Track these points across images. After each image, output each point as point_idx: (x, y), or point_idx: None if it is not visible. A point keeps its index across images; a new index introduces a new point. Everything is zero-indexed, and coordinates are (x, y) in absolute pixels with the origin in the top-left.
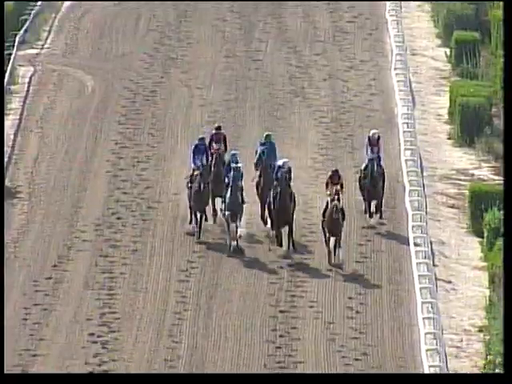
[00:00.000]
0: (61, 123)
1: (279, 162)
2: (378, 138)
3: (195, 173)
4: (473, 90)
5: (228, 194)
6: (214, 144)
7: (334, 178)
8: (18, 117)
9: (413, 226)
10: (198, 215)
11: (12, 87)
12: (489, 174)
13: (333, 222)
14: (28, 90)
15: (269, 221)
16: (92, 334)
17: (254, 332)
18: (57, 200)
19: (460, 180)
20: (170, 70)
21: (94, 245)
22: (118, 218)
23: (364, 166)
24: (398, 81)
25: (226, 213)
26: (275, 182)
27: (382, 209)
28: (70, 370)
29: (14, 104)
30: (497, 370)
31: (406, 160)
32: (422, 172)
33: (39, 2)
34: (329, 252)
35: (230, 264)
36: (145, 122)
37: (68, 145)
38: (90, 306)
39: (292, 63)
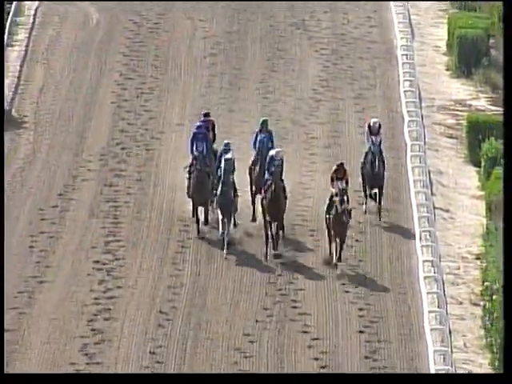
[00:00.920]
0: (66, 55)
1: (272, 152)
2: (379, 126)
3: (192, 166)
4: (471, 21)
5: (219, 190)
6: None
7: (339, 172)
8: (23, 48)
9: (411, 156)
10: (200, 209)
11: (18, 19)
12: (486, 105)
13: (342, 226)
14: (34, 22)
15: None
16: (97, 262)
17: (256, 260)
18: (62, 130)
19: (458, 110)
20: (173, 2)
21: (98, 174)
22: (123, 148)
23: (363, 156)
24: (397, 13)
25: (218, 211)
26: (267, 175)
27: (382, 197)
28: (75, 297)
29: (20, 35)
30: (494, 297)
31: (405, 91)
32: (420, 103)
33: None
34: (330, 253)
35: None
36: (148, 54)
37: (73, 76)
38: (95, 234)
39: None
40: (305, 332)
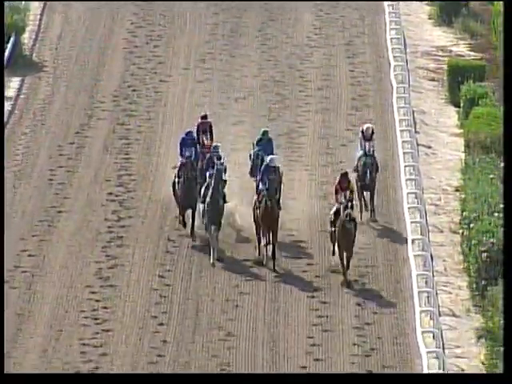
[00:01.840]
0: (83, 5)
1: (267, 159)
2: (372, 132)
3: (180, 170)
4: None
5: (208, 197)
6: (202, 135)
7: (343, 182)
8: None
9: (397, 98)
10: (188, 212)
11: None
12: (465, 51)
13: (346, 233)
14: None
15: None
16: (110, 193)
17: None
18: (78, 74)
19: (439, 56)
20: None
21: (111, 114)
22: (134, 90)
23: (356, 162)
24: None
25: (206, 219)
26: (261, 185)
27: (375, 205)
28: (91, 226)
29: None
30: (471, 225)
31: (391, 38)
32: (405, 49)
33: None
34: (343, 269)
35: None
36: (157, 4)
37: (88, 24)
38: (109, 169)
39: None
40: (299, 248)
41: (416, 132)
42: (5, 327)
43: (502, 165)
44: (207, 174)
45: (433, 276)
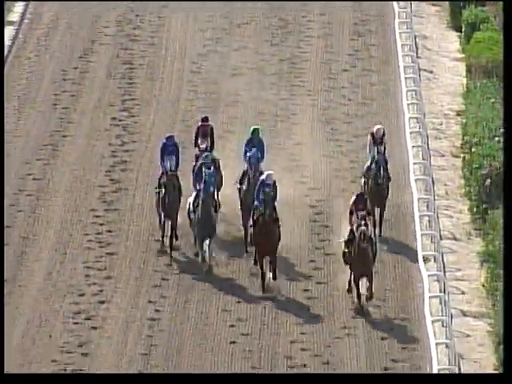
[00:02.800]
0: None
1: (262, 176)
2: (383, 134)
3: (162, 179)
4: None
5: (199, 207)
6: (201, 139)
7: (359, 203)
8: None
9: (399, 23)
10: (167, 225)
11: None
12: None
13: (361, 254)
14: None
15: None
16: (114, 118)
17: None
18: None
19: None
20: None
21: (115, 39)
22: (137, 16)
23: (366, 167)
24: None
25: (196, 229)
26: (256, 202)
27: (383, 220)
28: (95, 150)
29: None
30: (473, 149)
31: None
32: None
33: None
34: (357, 294)
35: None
36: None
37: None
38: (113, 94)
39: None
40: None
41: (418, 57)
42: (11, 251)
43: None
44: (197, 185)
45: (434, 200)
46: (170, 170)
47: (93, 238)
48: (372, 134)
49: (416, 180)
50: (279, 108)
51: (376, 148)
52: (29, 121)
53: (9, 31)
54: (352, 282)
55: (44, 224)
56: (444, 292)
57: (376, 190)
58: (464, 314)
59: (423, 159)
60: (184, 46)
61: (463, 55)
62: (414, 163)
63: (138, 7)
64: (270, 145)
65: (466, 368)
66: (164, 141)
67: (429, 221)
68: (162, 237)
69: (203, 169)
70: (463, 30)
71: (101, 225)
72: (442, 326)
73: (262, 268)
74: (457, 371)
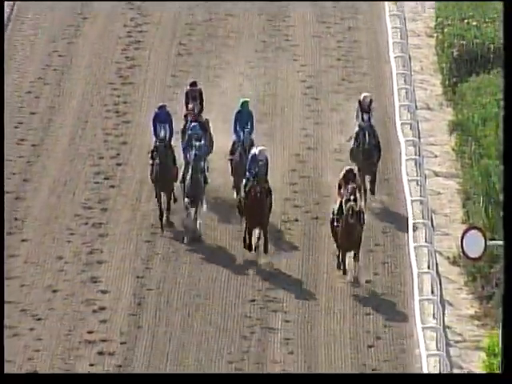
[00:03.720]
0: None
1: (254, 151)
2: (370, 101)
3: (155, 150)
4: None
5: (188, 176)
6: (191, 102)
7: (348, 177)
8: None
9: None
10: (163, 197)
11: None
12: None
13: (348, 230)
14: None
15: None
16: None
17: None
18: None
19: None
20: None
21: None
22: None
23: (354, 135)
24: None
25: (185, 199)
26: (248, 175)
27: (376, 184)
28: (112, 32)
29: None
30: (445, 30)
31: None
32: None
33: None
34: (344, 269)
35: None
36: None
37: None
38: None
39: None
40: (294, 61)
41: None
42: (38, 118)
43: None
44: (187, 155)
45: (411, 75)
46: (164, 139)
47: (111, 108)
48: (359, 102)
49: (395, 57)
50: None
51: (362, 116)
52: (55, 5)
53: None
54: (337, 256)
55: (68, 95)
56: (419, 155)
57: (364, 158)
58: (436, 174)
59: (401, 39)
60: None
61: None
62: (394, 42)
63: None
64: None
65: (438, 221)
66: (156, 110)
67: (406, 93)
68: (160, 210)
69: (193, 141)
70: None
71: (117, 97)
72: (417, 184)
73: (250, 240)
74: (430, 224)
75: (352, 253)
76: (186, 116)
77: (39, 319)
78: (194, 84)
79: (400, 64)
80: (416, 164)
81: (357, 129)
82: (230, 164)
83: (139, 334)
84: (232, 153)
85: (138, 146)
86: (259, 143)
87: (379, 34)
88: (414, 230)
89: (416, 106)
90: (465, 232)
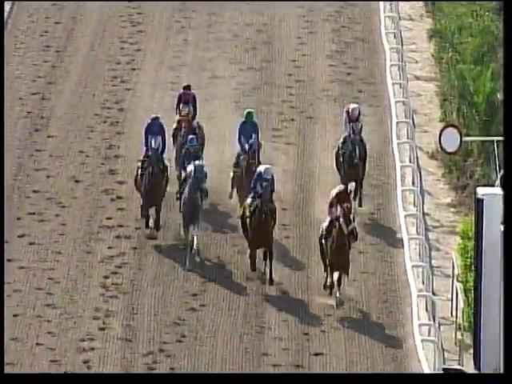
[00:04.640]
0: None
1: (260, 168)
2: (359, 113)
3: (145, 161)
4: None
5: (186, 192)
6: (181, 106)
7: (341, 196)
8: None
9: None
10: (152, 210)
11: None
12: None
13: (337, 249)
14: None
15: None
16: None
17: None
18: None
19: None
20: None
21: None
22: None
23: (341, 143)
24: None
25: (182, 218)
26: (252, 194)
27: (362, 193)
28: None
29: None
30: None
31: None
32: None
33: None
34: (330, 286)
35: None
36: None
37: None
38: None
39: None
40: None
41: None
42: (61, 28)
43: None
44: (184, 170)
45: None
46: (156, 151)
47: (126, 18)
48: (347, 112)
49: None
50: None
51: (352, 126)
52: None
53: None
54: (326, 275)
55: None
56: (402, 61)
57: (351, 171)
58: (417, 78)
59: None
60: None
61: None
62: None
63: None
64: None
65: (418, 120)
66: (149, 121)
67: (391, 5)
68: (147, 223)
69: (190, 156)
70: None
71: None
72: (400, 87)
73: (254, 260)
74: (411, 123)
75: (338, 274)
76: (179, 122)
77: (63, 206)
78: (187, 87)
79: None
80: (399, 69)
81: (344, 139)
82: (232, 178)
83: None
84: (236, 165)
85: (149, 52)
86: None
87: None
88: (397, 126)
89: (399, 17)
90: (442, 129)
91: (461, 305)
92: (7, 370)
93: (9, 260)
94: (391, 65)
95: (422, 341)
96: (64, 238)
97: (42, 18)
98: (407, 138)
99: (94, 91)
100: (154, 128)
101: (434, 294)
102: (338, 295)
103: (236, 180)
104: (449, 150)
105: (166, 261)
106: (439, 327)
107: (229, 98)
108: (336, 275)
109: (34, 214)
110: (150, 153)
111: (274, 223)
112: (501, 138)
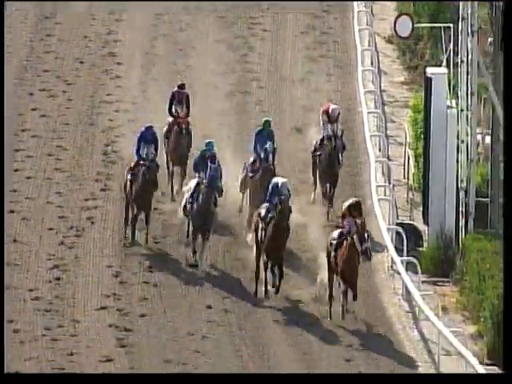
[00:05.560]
0: None
1: (276, 181)
2: (339, 113)
3: (141, 165)
4: None
5: (199, 199)
6: (174, 105)
7: (355, 210)
8: None
9: None
10: (141, 215)
11: None
12: None
13: (346, 264)
14: None
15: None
16: None
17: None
18: None
19: None
20: None
21: None
22: None
23: (318, 145)
24: None
25: (193, 224)
26: (268, 205)
27: (335, 195)
28: None
29: None
30: None
31: None
32: None
33: None
34: (341, 305)
35: None
36: None
37: None
38: None
39: None
40: None
41: None
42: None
43: None
44: (197, 177)
45: None
46: (147, 160)
47: None
48: (326, 112)
49: None
50: None
51: (333, 127)
52: None
53: None
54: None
55: None
56: None
57: (328, 174)
58: None
59: None
60: None
61: None
62: None
63: None
64: None
65: (376, 9)
66: (143, 129)
67: None
68: (133, 230)
69: (207, 161)
70: None
71: None
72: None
73: (262, 271)
74: (370, 11)
75: (345, 287)
76: (179, 124)
77: (69, 84)
78: (181, 86)
79: None
80: None
81: (321, 140)
82: (243, 182)
83: None
84: (253, 171)
85: None
86: None
87: None
88: (357, 16)
89: None
90: (397, 17)
91: (412, 169)
92: (20, 226)
93: (22, 130)
94: None
95: (379, 200)
96: (70, 111)
97: None
98: (366, 25)
99: None
100: (148, 137)
101: (389, 159)
102: (344, 309)
103: (248, 184)
104: (402, 35)
105: (160, 133)
106: (393, 188)
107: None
108: (343, 287)
109: (44, 90)
110: (141, 162)
111: (287, 238)
112: (448, 25)
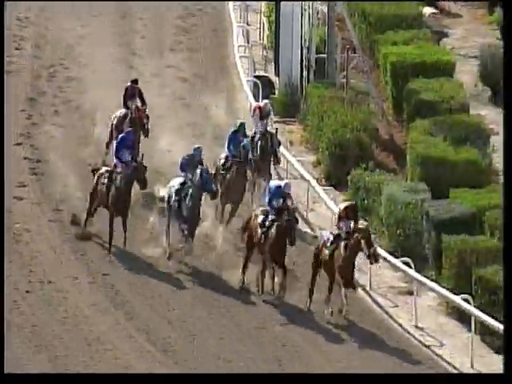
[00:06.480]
0: None
1: (278, 183)
2: (269, 109)
3: (115, 172)
4: None
5: (188, 201)
6: (129, 100)
7: (350, 213)
8: None
9: None
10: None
11: None
12: None
13: (344, 265)
14: None
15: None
16: None
17: None
18: None
19: None
20: None
21: None
22: None
23: (250, 139)
24: None
25: (183, 225)
26: (269, 209)
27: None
28: None
29: None
30: None
31: None
32: None
33: None
34: (328, 299)
35: None
36: None
37: None
38: None
39: None
40: None
41: None
42: None
43: None
44: (184, 177)
45: None
46: (125, 162)
47: None
48: (259, 108)
49: None
50: None
51: (265, 123)
52: None
53: None
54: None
55: None
56: None
57: (261, 166)
58: None
59: None
60: None
61: None
62: None
63: None
64: None
65: None
66: (123, 134)
67: None
68: (110, 237)
69: (198, 165)
70: None
71: None
72: None
73: (263, 280)
74: None
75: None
76: (140, 118)
77: None
78: (135, 82)
79: None
80: None
81: (253, 135)
82: (221, 178)
83: None
84: (224, 168)
85: None
86: None
87: None
88: None
89: None
90: None
91: (266, 32)
92: None
93: None
94: None
95: (240, 57)
96: None
97: None
98: None
99: None
100: (128, 142)
101: (248, 24)
102: (343, 312)
103: (219, 181)
104: None
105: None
106: (251, 47)
107: None
108: (343, 291)
109: None
110: (120, 169)
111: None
112: None
